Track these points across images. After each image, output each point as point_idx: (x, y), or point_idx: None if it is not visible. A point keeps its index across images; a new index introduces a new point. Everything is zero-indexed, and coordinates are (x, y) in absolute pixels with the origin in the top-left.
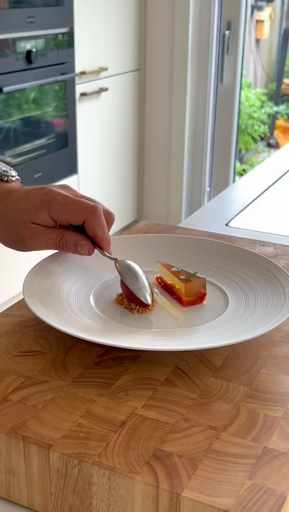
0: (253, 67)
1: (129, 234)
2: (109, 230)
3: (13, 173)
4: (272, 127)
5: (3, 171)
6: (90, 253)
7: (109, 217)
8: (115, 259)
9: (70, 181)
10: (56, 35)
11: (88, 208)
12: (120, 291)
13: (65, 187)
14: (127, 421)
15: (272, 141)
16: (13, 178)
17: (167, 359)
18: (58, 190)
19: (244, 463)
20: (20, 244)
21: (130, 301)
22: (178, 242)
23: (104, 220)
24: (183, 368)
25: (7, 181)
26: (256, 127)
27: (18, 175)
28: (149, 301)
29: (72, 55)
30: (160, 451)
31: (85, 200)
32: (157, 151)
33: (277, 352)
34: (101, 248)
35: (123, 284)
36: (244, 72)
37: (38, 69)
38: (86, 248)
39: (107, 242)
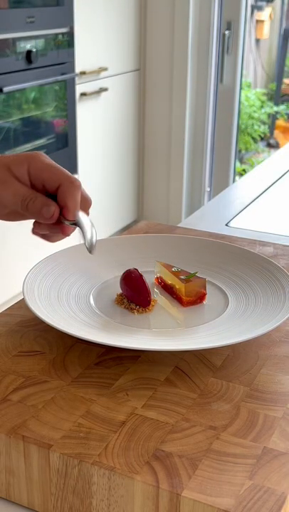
0: (253, 67)
1: (129, 234)
2: (86, 213)
3: None
4: (272, 127)
5: None
6: (53, 217)
7: (86, 201)
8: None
9: None
10: (56, 35)
11: (67, 176)
12: (120, 291)
13: (45, 155)
14: (127, 421)
15: (272, 141)
16: None
17: (167, 359)
18: (44, 154)
19: (244, 463)
20: (11, 201)
21: (130, 301)
22: (178, 242)
23: (79, 194)
24: (183, 368)
25: None
26: (256, 127)
27: None
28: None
29: (72, 55)
30: (160, 451)
31: (65, 170)
32: (157, 151)
33: (277, 352)
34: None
35: (123, 284)
36: (244, 72)
37: (38, 69)
38: (52, 210)
39: (73, 216)
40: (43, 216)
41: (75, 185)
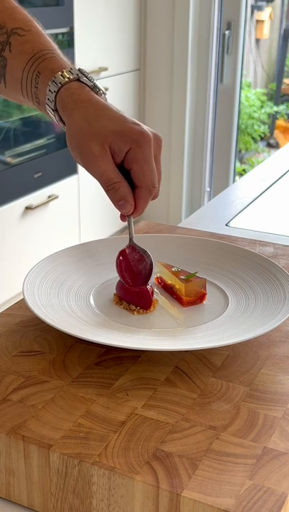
0: (253, 67)
1: None
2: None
3: (103, 89)
4: (272, 127)
5: (94, 84)
6: (125, 213)
7: (151, 196)
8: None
9: (70, 181)
10: (56, 35)
11: (148, 184)
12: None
13: (157, 139)
14: (127, 421)
15: (272, 141)
16: (102, 94)
17: (167, 359)
18: (151, 141)
19: (244, 463)
20: (81, 155)
21: (129, 302)
22: (178, 242)
23: (149, 198)
24: (183, 368)
25: (97, 93)
26: (256, 127)
27: (18, 175)
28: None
29: (72, 55)
30: (160, 451)
31: (154, 174)
32: None
33: (277, 352)
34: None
35: (119, 287)
36: (244, 72)
37: None
38: (127, 208)
39: (136, 216)
40: (117, 206)
41: (151, 193)
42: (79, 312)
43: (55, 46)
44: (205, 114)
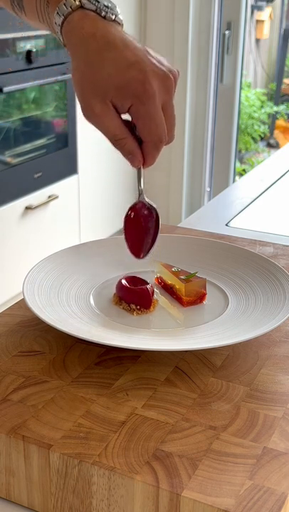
0: (253, 67)
1: None
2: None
3: (117, 10)
4: (272, 127)
5: (105, 5)
6: (137, 166)
7: (156, 151)
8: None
9: (70, 181)
10: None
11: (154, 139)
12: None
13: (166, 89)
14: (127, 421)
15: (272, 141)
16: (113, 17)
17: (167, 359)
18: (157, 93)
19: (244, 463)
20: (83, 109)
21: (128, 302)
22: (178, 242)
23: (158, 154)
24: (183, 368)
25: (105, 18)
26: (256, 127)
27: (18, 175)
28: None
29: None
30: (160, 451)
31: (161, 129)
32: None
33: (277, 352)
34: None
35: (119, 287)
36: (244, 72)
37: (38, 69)
38: (135, 162)
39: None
40: (126, 158)
41: (158, 148)
42: (79, 312)
43: None
44: (205, 114)
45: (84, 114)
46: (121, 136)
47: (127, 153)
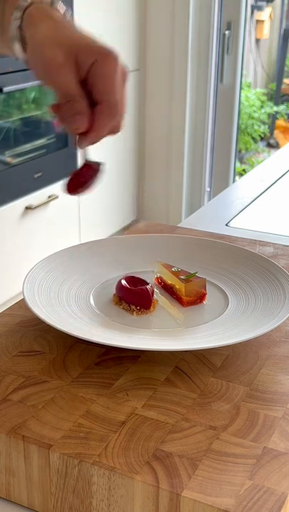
0: (253, 67)
1: (129, 234)
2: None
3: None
4: (272, 127)
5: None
6: (81, 129)
7: (112, 119)
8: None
9: None
10: None
11: (113, 103)
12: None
13: (118, 59)
14: (127, 421)
15: (272, 141)
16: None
17: (167, 359)
18: (116, 59)
19: (244, 463)
20: (43, 63)
21: (129, 303)
22: (178, 242)
23: (108, 121)
24: (183, 368)
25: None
26: (256, 127)
27: (18, 175)
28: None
29: None
30: (160, 451)
31: (121, 90)
32: (157, 151)
33: (277, 352)
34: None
35: (119, 287)
36: (244, 72)
37: None
38: (83, 122)
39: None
40: (71, 120)
41: (112, 112)
42: (79, 312)
43: None
44: (205, 114)
45: (44, 67)
46: (76, 93)
47: (75, 113)
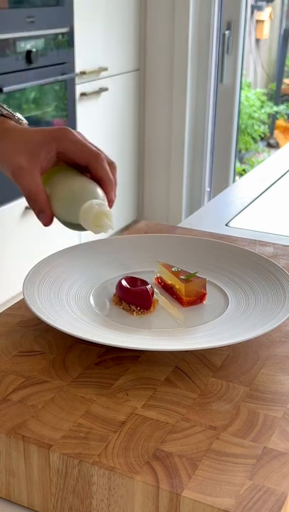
0: (253, 67)
1: (129, 234)
2: (114, 176)
3: (25, 120)
4: (272, 127)
5: (18, 117)
6: (45, 224)
7: (112, 166)
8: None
9: None
10: (56, 35)
11: (92, 153)
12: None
13: (77, 132)
14: (127, 421)
15: (272, 141)
16: (23, 122)
17: (167, 359)
18: (70, 129)
19: (244, 463)
20: (10, 169)
21: (129, 303)
22: (178, 242)
23: (106, 165)
24: (183, 368)
25: (20, 124)
26: (256, 127)
27: None
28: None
29: (72, 55)
30: (160, 451)
31: (90, 145)
32: (157, 151)
33: (277, 352)
34: (105, 192)
35: (119, 287)
36: (244, 72)
37: (38, 69)
38: (44, 220)
39: (111, 184)
40: (37, 217)
41: (100, 159)
42: (79, 312)
43: None
44: (205, 114)
45: (10, 169)
46: (36, 192)
47: (38, 211)
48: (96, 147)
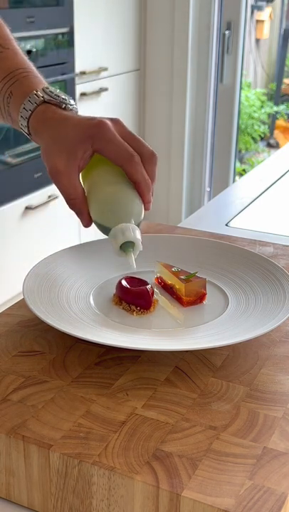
0: (253, 67)
1: None
2: (153, 170)
3: (72, 101)
4: (272, 127)
5: (63, 98)
6: (85, 226)
7: (151, 160)
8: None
9: None
10: (56, 35)
11: (126, 156)
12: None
13: (116, 122)
14: (127, 421)
15: (272, 141)
16: (71, 107)
17: (167, 359)
18: (108, 125)
19: (244, 463)
20: (49, 170)
21: (129, 303)
22: (178, 242)
23: (140, 167)
24: (183, 368)
25: (65, 109)
26: (256, 127)
27: (18, 175)
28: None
29: (72, 55)
30: (160, 451)
31: (125, 146)
32: (157, 151)
33: (277, 352)
34: (140, 194)
35: (119, 287)
36: (244, 72)
37: (38, 69)
38: (83, 223)
39: (146, 186)
40: (79, 218)
41: (133, 164)
42: (79, 312)
43: (30, 64)
44: (205, 114)
45: (48, 171)
46: (74, 196)
47: (76, 213)
48: (137, 139)
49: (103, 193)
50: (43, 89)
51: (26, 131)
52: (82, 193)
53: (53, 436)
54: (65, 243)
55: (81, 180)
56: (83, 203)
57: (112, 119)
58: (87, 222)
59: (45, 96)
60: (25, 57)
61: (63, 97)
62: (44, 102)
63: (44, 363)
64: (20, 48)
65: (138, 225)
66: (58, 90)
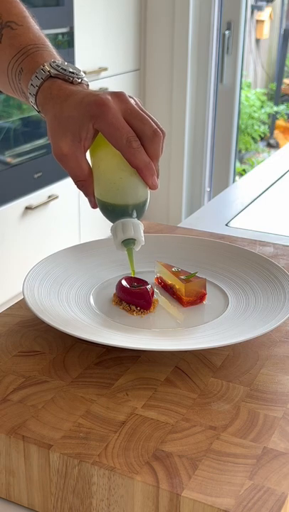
0: (253, 67)
1: None
2: (156, 149)
3: (81, 73)
4: (272, 127)
5: (70, 72)
6: (92, 207)
7: (155, 139)
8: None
9: (70, 181)
10: (56, 35)
11: (123, 143)
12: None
13: (120, 98)
14: (127, 421)
15: (272, 141)
16: (79, 80)
17: (167, 359)
18: (109, 104)
19: (244, 463)
20: (56, 151)
21: (129, 303)
22: (178, 242)
23: (139, 152)
24: (183, 367)
25: (72, 82)
26: (256, 127)
27: (18, 175)
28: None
29: (72, 55)
30: (160, 451)
31: (125, 131)
32: None
33: (277, 352)
34: (143, 179)
35: (119, 287)
36: (244, 72)
37: None
38: (91, 202)
39: (148, 170)
40: (88, 199)
41: (132, 151)
42: (79, 312)
43: (44, 39)
44: (205, 114)
45: (54, 154)
46: (81, 178)
47: (85, 194)
48: (140, 117)
49: (104, 180)
50: (50, 64)
51: (36, 108)
52: (89, 174)
53: (53, 436)
54: (65, 243)
55: (88, 157)
56: (90, 184)
57: (116, 94)
58: (93, 203)
59: (52, 70)
60: (40, 33)
61: (71, 70)
62: (50, 76)
63: (44, 363)
64: (36, 23)
65: (143, 211)
66: (67, 63)
